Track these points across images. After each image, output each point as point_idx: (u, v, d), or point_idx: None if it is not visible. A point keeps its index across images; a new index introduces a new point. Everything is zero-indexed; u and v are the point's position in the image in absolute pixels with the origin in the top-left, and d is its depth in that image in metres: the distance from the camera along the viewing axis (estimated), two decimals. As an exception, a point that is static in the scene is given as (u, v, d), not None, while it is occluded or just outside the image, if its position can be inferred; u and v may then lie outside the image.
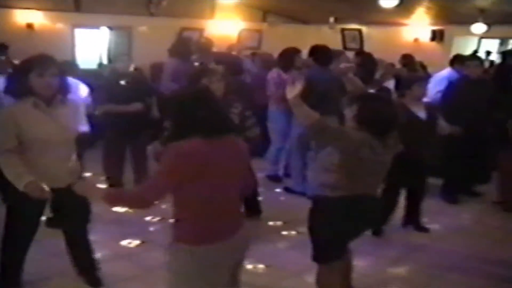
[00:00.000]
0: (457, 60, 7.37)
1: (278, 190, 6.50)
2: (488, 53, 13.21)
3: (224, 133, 2.52)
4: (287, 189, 6.46)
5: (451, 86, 6.33)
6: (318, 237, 3.29)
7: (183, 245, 2.47)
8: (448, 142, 5.76)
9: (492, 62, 12.42)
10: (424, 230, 5.29)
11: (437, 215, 5.70)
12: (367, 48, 11.35)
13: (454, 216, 5.88)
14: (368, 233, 4.02)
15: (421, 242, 5.06)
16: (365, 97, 3.42)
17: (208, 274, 2.48)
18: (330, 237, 3.22)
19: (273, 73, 6.47)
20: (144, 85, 6.13)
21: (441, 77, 7.02)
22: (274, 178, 6.85)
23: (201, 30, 11.72)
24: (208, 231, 2.47)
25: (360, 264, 3.97)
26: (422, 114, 4.91)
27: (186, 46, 6.97)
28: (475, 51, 12.95)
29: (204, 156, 2.39)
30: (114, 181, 5.75)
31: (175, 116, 2.56)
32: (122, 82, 5.64)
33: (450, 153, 6.08)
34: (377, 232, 4.95)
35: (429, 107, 5.15)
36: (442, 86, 6.48)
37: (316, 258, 3.33)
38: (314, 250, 3.32)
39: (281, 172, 6.97)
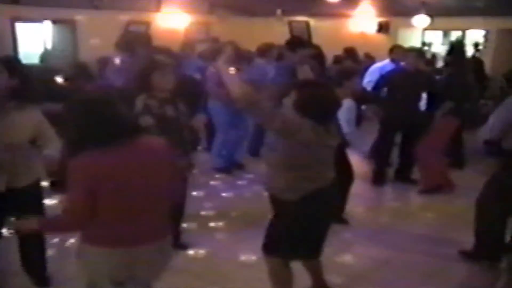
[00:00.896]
0: (394, 51, 7.60)
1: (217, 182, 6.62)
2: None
3: (126, 138, 2.39)
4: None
5: (382, 77, 6.63)
6: (280, 233, 3.25)
7: (89, 246, 2.45)
8: (380, 132, 6.40)
9: (434, 54, 12.75)
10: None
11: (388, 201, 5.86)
12: (314, 40, 11.42)
13: (402, 202, 6.13)
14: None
15: (371, 229, 5.18)
16: (303, 84, 3.35)
17: (111, 275, 2.48)
18: (293, 236, 3.20)
19: (212, 68, 6.51)
20: (87, 81, 5.97)
21: (374, 68, 7.12)
22: (223, 170, 6.91)
23: (147, 24, 11.53)
24: (116, 235, 2.41)
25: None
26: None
27: (132, 40, 6.81)
28: (423, 43, 13.34)
29: (105, 168, 2.32)
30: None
31: (70, 129, 2.44)
32: (59, 79, 5.45)
33: (380, 142, 6.64)
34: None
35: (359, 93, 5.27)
36: (374, 77, 6.69)
37: (272, 251, 3.30)
38: (272, 243, 3.30)
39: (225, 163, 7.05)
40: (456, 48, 7.16)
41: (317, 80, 3.45)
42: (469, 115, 6.50)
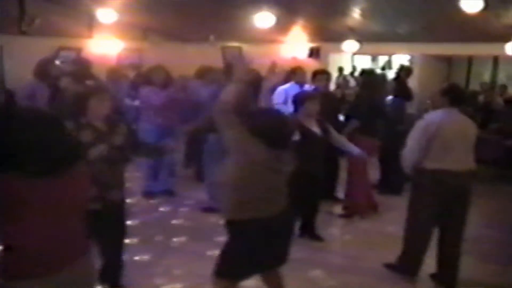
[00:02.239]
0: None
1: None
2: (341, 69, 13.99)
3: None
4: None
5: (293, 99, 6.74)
6: (230, 255, 3.28)
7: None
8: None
9: (344, 77, 13.25)
10: (319, 238, 5.50)
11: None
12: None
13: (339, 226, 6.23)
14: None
15: (315, 251, 5.25)
16: (256, 112, 3.43)
17: None
18: (241, 258, 3.23)
19: (145, 90, 6.64)
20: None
21: (280, 90, 7.23)
22: (152, 194, 6.84)
23: (78, 50, 11.33)
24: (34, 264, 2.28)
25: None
26: (316, 129, 5.09)
27: (44, 67, 6.62)
28: (353, 67, 13.77)
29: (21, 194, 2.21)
30: None
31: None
32: None
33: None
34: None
35: None
36: (281, 99, 6.82)
37: (220, 273, 3.30)
38: (221, 264, 3.30)
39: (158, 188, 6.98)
40: (366, 71, 7.48)
41: (270, 109, 3.51)
42: (394, 137, 6.66)
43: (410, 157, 4.33)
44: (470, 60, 13.38)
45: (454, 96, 4.32)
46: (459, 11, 8.22)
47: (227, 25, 11.45)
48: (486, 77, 13.42)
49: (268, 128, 3.15)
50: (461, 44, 11.32)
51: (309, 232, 5.50)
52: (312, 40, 12.45)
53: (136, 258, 4.84)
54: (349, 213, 6.42)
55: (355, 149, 5.39)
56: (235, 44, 13.11)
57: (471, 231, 5.11)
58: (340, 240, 5.89)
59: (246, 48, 13.02)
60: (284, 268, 4.19)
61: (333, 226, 6.22)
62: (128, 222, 4.76)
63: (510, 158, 8.31)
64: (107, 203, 3.63)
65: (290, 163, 3.31)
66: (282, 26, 10.76)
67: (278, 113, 3.41)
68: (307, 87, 7.08)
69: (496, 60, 13.01)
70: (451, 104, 4.28)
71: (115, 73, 8.02)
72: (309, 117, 5.06)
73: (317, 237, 5.52)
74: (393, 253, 4.68)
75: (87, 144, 3.52)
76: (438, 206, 4.30)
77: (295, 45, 12.57)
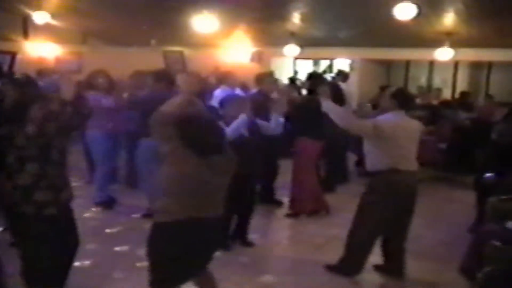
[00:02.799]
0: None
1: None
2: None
3: None
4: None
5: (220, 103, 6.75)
6: (157, 263, 3.21)
7: None
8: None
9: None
10: (249, 244, 5.47)
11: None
12: (190, 70, 11.52)
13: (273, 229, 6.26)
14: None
15: (250, 255, 5.23)
16: (184, 119, 3.32)
17: None
18: (169, 264, 3.17)
19: (91, 95, 6.37)
20: None
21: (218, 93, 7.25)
22: (106, 204, 6.64)
23: (14, 53, 10.98)
24: None
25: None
26: (245, 132, 5.10)
27: None
28: (295, 71, 13.91)
29: None
30: None
31: None
32: None
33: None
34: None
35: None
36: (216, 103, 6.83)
37: (154, 284, 3.23)
38: (152, 275, 3.23)
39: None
40: (314, 75, 7.59)
41: (200, 115, 3.41)
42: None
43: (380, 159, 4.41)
44: (407, 64, 13.78)
45: (402, 99, 4.50)
46: (394, 17, 8.48)
47: (169, 29, 11.36)
48: (423, 80, 13.87)
49: (198, 138, 3.11)
50: (399, 49, 11.68)
51: (241, 237, 5.48)
52: (254, 45, 12.51)
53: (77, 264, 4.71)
54: (295, 213, 6.46)
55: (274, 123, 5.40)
56: (176, 48, 13.01)
57: (409, 230, 5.30)
58: (285, 242, 5.90)
59: (188, 52, 12.96)
60: (232, 273, 4.21)
61: (275, 229, 6.25)
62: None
63: (445, 160, 8.61)
64: (60, 207, 3.55)
65: (228, 167, 3.30)
66: (224, 31, 10.76)
67: (207, 121, 3.32)
68: (239, 91, 7.08)
69: (432, 64, 13.45)
70: (400, 106, 4.45)
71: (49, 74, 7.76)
72: (234, 119, 5.04)
73: (248, 243, 5.46)
74: (337, 254, 4.76)
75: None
76: (393, 208, 4.43)
77: (237, 50, 12.60)
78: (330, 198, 6.86)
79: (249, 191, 5.30)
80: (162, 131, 3.15)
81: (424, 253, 5.35)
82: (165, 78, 5.99)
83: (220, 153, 3.21)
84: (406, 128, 4.47)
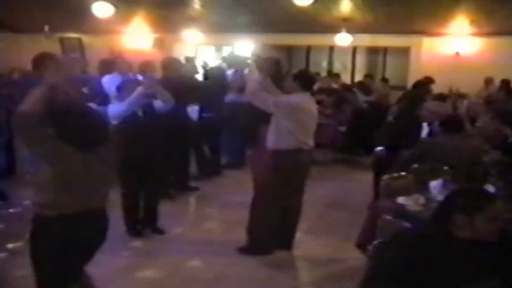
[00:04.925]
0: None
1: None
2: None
3: None
4: None
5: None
6: (40, 263, 2.99)
7: None
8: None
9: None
10: (160, 231, 5.37)
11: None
12: (88, 57, 11.13)
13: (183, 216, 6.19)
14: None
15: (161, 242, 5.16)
16: (59, 112, 3.00)
17: None
18: (53, 262, 2.96)
19: None
20: None
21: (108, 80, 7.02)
22: None
23: None
24: None
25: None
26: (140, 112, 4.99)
27: None
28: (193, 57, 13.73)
29: None
30: None
31: None
32: None
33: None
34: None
35: None
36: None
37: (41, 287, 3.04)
38: (37, 278, 3.01)
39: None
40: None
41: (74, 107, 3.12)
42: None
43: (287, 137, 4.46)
44: (308, 49, 14.08)
45: (305, 80, 4.62)
46: (293, 3, 8.60)
47: (64, 15, 10.87)
48: (324, 65, 14.23)
49: (75, 131, 2.88)
50: (299, 35, 11.90)
51: (151, 224, 5.38)
52: (155, 31, 12.27)
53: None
54: None
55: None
56: (74, 35, 12.51)
57: (310, 211, 5.43)
58: (197, 227, 5.82)
59: (86, 39, 12.50)
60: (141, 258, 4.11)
61: (187, 215, 6.20)
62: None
63: (345, 143, 8.89)
64: None
65: (110, 158, 3.10)
66: (123, 16, 10.47)
67: (85, 112, 3.05)
68: (133, 76, 6.80)
69: (331, 50, 13.82)
70: (302, 88, 4.55)
71: None
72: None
73: (158, 230, 5.37)
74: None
75: None
76: (294, 185, 4.59)
77: (138, 36, 12.31)
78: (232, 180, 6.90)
79: (153, 177, 5.19)
80: (29, 136, 2.83)
81: (324, 231, 5.52)
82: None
83: (101, 144, 3.00)
84: (307, 109, 4.58)
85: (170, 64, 6.71)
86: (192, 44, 12.68)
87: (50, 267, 2.98)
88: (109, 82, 6.48)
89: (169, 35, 12.30)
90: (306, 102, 4.59)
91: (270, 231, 4.72)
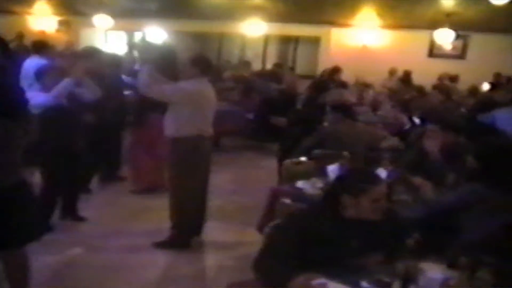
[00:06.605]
0: None
1: None
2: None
3: None
4: None
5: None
6: None
7: None
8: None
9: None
10: (81, 219, 5.23)
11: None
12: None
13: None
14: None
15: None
16: None
17: None
18: None
19: None
20: None
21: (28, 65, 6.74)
22: None
23: None
24: None
25: None
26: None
27: None
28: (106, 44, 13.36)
29: None
30: None
31: None
32: None
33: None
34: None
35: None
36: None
37: None
38: None
39: None
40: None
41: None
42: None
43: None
44: (221, 37, 14.05)
45: (203, 65, 4.50)
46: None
47: None
48: (236, 53, 14.27)
49: None
50: (212, 22, 11.85)
51: (71, 213, 5.21)
52: (60, 14, 11.79)
53: None
54: (138, 189, 6.22)
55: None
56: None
57: (216, 198, 5.45)
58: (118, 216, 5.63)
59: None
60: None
61: (112, 204, 5.98)
62: None
63: (253, 129, 8.96)
64: None
65: (23, 135, 3.10)
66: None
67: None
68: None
69: (244, 38, 13.87)
70: (202, 73, 4.46)
71: None
72: (49, 90, 4.71)
73: (79, 218, 5.22)
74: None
75: None
76: (199, 172, 4.56)
77: (42, 18, 11.78)
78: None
79: (75, 165, 4.94)
80: None
81: (230, 217, 5.58)
82: None
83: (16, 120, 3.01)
84: (207, 95, 4.54)
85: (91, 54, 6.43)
86: (101, 29, 12.32)
87: None
88: (31, 65, 6.19)
89: (75, 18, 11.87)
90: (204, 88, 4.52)
91: (191, 222, 4.68)
